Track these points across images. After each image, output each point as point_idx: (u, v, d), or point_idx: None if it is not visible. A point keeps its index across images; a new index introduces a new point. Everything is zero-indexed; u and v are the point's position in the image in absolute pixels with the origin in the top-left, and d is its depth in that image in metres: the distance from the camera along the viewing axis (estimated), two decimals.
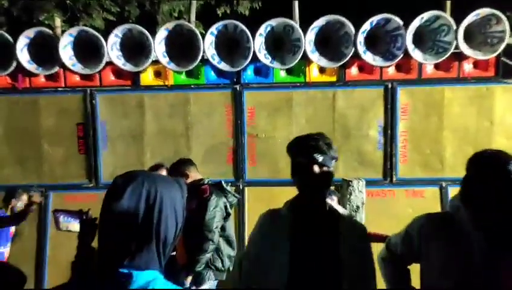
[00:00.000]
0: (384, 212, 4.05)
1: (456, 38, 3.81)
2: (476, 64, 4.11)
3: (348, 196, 2.30)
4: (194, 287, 3.39)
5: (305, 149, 1.74)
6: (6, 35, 3.97)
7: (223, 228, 3.46)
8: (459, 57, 4.02)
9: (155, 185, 1.12)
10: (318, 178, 1.71)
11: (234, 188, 3.89)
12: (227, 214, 3.50)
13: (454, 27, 3.80)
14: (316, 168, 1.70)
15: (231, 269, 3.61)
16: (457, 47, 3.85)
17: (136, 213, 1.08)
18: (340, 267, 1.67)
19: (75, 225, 2.16)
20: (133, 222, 1.08)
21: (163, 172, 3.68)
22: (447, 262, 1.63)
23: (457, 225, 1.65)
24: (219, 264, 3.43)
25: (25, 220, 3.86)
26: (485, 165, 1.59)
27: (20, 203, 4.02)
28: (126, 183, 1.11)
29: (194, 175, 3.49)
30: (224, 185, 3.56)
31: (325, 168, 1.72)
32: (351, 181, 2.22)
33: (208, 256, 3.34)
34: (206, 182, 3.48)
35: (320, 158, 1.70)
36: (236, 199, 3.68)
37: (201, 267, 3.33)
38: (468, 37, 3.90)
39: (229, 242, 3.55)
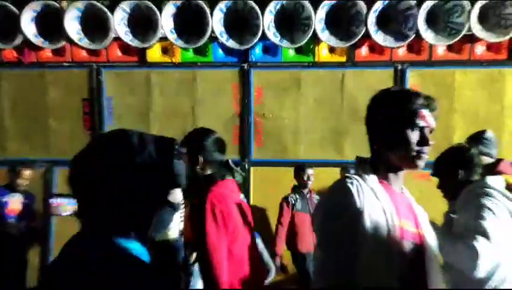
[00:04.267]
0: None
1: (469, 19, 3.73)
2: (489, 46, 4.03)
3: None
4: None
5: (411, 102, 1.41)
6: (12, 7, 3.91)
7: None
8: (471, 39, 3.94)
9: None
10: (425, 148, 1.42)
11: (240, 167, 3.89)
12: None
13: (468, 8, 3.72)
14: (423, 122, 1.40)
15: None
16: (469, 29, 3.77)
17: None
18: None
19: (66, 209, 2.13)
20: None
21: None
22: None
23: None
24: None
25: None
26: None
27: (20, 179, 3.97)
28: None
29: None
30: (231, 163, 3.55)
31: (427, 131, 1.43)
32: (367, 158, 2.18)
33: None
34: None
35: (429, 118, 1.42)
36: (242, 177, 3.67)
37: None
38: (482, 19, 3.82)
39: None
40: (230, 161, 3.53)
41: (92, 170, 1.08)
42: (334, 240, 1.40)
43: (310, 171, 3.91)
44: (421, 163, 1.43)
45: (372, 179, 1.45)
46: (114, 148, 1.09)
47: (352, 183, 1.42)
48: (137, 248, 1.10)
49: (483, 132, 3.24)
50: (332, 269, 1.39)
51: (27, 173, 3.99)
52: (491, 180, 2.10)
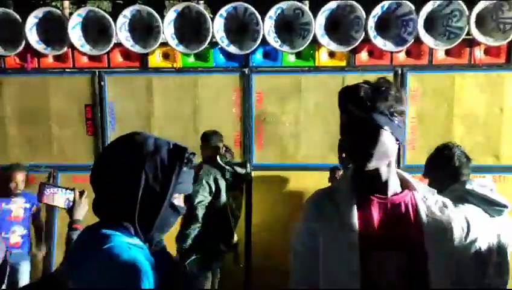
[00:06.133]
0: None
1: (468, 23, 3.76)
2: (487, 50, 4.05)
3: None
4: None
5: (352, 101, 1.27)
6: (15, 14, 3.95)
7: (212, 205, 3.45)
8: (471, 43, 3.98)
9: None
10: (366, 144, 1.27)
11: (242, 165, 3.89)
12: (218, 191, 3.48)
13: (467, 13, 3.75)
14: (361, 129, 1.26)
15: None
16: (468, 33, 3.81)
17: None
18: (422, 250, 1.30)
19: (59, 200, 2.17)
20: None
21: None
22: None
23: None
24: None
25: None
26: None
27: (12, 184, 3.96)
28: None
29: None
30: (221, 162, 3.55)
31: (381, 130, 1.26)
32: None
33: (192, 232, 3.34)
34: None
35: (373, 116, 1.25)
36: (230, 176, 3.63)
37: (187, 243, 3.35)
38: (480, 23, 3.85)
39: None
40: (219, 158, 3.57)
41: (104, 171, 1.18)
42: (294, 254, 1.47)
43: (338, 172, 3.87)
44: (368, 164, 1.29)
45: (345, 188, 1.41)
46: (126, 151, 1.18)
47: (314, 198, 1.46)
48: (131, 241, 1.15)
49: None
50: (293, 281, 1.47)
51: (19, 176, 4.01)
52: (476, 182, 2.07)
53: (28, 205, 4.06)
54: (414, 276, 1.30)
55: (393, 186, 1.37)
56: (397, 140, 1.31)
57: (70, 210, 2.07)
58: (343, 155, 3.50)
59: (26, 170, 4.09)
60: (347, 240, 1.32)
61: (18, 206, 4.01)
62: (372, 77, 4.29)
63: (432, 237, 1.32)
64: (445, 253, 1.33)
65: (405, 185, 1.40)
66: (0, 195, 4.01)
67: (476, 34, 3.81)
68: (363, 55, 4.13)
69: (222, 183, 3.53)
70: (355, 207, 1.35)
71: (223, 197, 3.56)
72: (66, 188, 2.15)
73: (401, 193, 1.38)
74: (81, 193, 2.11)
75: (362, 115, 1.25)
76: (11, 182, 3.96)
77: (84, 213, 2.08)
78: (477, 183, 2.04)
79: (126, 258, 1.07)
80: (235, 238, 3.80)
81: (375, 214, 1.34)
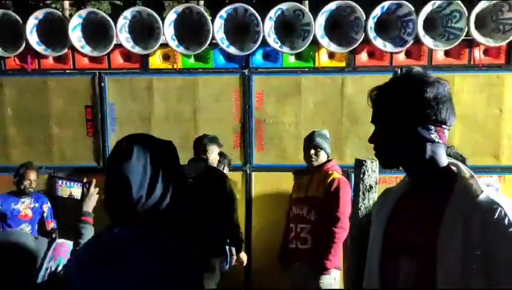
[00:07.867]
0: None
1: (467, 24, 3.77)
2: (487, 51, 4.06)
3: (361, 175, 2.29)
4: None
5: (388, 104, 1.25)
6: (16, 16, 3.95)
7: None
8: (470, 43, 3.99)
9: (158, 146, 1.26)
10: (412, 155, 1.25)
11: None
12: None
13: (466, 13, 3.76)
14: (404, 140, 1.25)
15: None
16: (468, 34, 3.82)
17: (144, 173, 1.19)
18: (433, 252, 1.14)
19: (64, 192, 2.21)
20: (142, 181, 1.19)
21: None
22: None
23: None
24: None
25: None
26: None
27: (25, 182, 4.02)
28: (131, 145, 1.21)
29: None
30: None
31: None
32: (364, 161, 2.20)
33: None
34: None
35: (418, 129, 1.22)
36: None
37: None
38: (480, 24, 3.86)
39: None
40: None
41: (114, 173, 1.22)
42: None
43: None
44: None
45: (399, 185, 1.37)
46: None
47: (381, 192, 1.47)
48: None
49: (320, 130, 3.54)
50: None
51: (32, 175, 4.04)
52: (481, 182, 2.09)
53: (36, 205, 4.10)
54: (421, 284, 1.19)
55: (432, 184, 1.24)
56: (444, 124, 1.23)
57: (80, 202, 2.05)
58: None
59: (37, 169, 4.14)
60: (374, 237, 1.34)
61: (26, 207, 4.06)
62: (371, 77, 4.30)
63: (446, 248, 1.14)
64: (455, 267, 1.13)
65: (453, 183, 1.23)
66: (10, 194, 4.09)
67: (475, 34, 3.82)
68: (363, 56, 4.14)
69: None
70: (390, 205, 1.31)
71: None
72: (75, 181, 2.18)
73: (441, 191, 1.22)
74: (89, 184, 2.07)
75: (406, 126, 1.21)
76: (24, 181, 4.00)
77: (93, 205, 2.04)
78: (481, 183, 2.05)
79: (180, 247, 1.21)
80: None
81: (413, 212, 1.25)
